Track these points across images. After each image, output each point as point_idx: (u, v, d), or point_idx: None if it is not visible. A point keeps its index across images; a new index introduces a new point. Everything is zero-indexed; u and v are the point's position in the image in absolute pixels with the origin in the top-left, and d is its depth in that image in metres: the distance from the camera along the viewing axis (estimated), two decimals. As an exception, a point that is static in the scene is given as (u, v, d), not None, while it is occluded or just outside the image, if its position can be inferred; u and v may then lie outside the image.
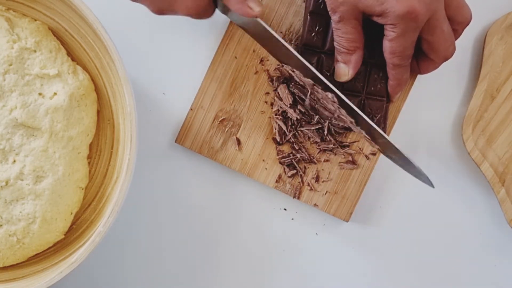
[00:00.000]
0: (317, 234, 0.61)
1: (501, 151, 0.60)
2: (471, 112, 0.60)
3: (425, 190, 0.61)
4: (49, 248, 0.54)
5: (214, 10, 0.52)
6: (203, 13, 0.51)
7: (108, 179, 0.55)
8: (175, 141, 0.58)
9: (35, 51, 0.52)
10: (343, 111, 0.54)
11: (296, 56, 0.53)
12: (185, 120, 0.58)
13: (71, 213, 0.54)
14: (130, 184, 0.48)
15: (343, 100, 0.54)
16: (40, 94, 0.52)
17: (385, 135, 0.54)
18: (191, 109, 0.58)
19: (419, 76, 0.60)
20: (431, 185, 0.54)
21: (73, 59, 0.55)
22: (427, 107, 0.61)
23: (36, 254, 0.54)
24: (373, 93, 0.56)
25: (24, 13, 0.54)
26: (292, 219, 0.61)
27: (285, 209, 0.61)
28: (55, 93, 0.52)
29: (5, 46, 0.51)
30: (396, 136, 0.61)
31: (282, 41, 0.52)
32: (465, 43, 0.61)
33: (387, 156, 0.56)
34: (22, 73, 0.52)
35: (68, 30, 0.54)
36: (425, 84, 0.61)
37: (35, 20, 0.53)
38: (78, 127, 0.53)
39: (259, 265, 0.61)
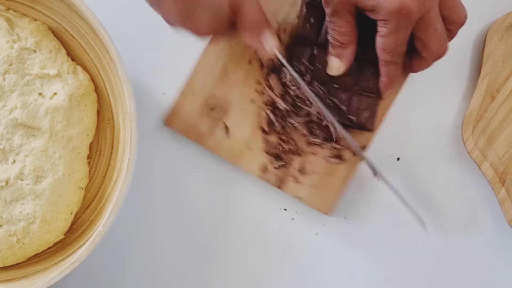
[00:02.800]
0: (317, 234, 0.61)
1: (501, 151, 0.60)
2: (471, 112, 0.60)
3: (426, 190, 0.61)
4: (49, 248, 0.54)
5: (232, 31, 0.51)
6: (219, 33, 0.50)
7: (108, 179, 0.55)
8: (164, 123, 0.58)
9: (35, 51, 0.52)
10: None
11: (310, 95, 0.54)
12: (175, 103, 0.58)
13: (71, 213, 0.54)
14: (130, 184, 0.48)
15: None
16: (40, 94, 0.52)
17: (386, 180, 0.55)
18: (181, 93, 0.58)
19: (418, 75, 0.60)
20: (424, 228, 0.56)
21: (73, 59, 0.55)
22: (427, 106, 0.61)
23: (36, 254, 0.54)
24: (364, 90, 0.56)
25: (24, 13, 0.54)
26: (292, 219, 0.61)
27: (285, 209, 0.61)
28: (55, 93, 0.52)
29: (5, 46, 0.51)
30: (393, 134, 0.61)
31: (299, 79, 0.53)
32: (465, 43, 0.61)
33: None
34: (22, 73, 0.52)
35: (68, 30, 0.54)
36: (425, 84, 0.61)
37: (35, 20, 0.53)
38: (78, 127, 0.53)
39: (259, 265, 0.61)
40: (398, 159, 0.61)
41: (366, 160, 0.55)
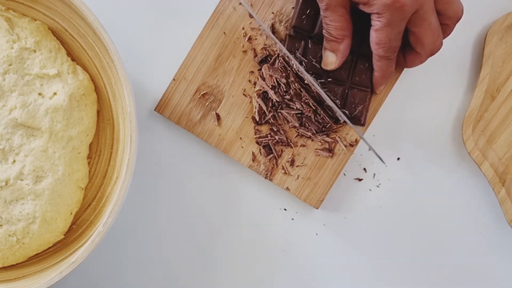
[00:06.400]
0: (317, 234, 0.61)
1: (501, 151, 0.60)
2: (471, 112, 0.60)
3: (426, 190, 0.61)
4: (49, 248, 0.54)
5: None
6: None
7: (108, 179, 0.55)
8: (155, 109, 0.58)
9: (35, 51, 0.52)
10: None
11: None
12: (166, 89, 0.58)
13: (71, 213, 0.54)
14: (130, 184, 0.48)
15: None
16: (40, 94, 0.52)
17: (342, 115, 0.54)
18: (174, 80, 0.58)
19: (419, 75, 0.60)
20: (382, 161, 0.57)
21: (73, 59, 0.55)
22: (427, 106, 0.61)
23: (36, 254, 0.54)
24: (358, 83, 0.57)
25: (24, 13, 0.54)
26: (292, 219, 0.61)
27: (285, 209, 0.61)
28: (55, 93, 0.52)
29: (5, 46, 0.51)
30: (393, 135, 0.61)
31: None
32: (465, 43, 0.61)
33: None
34: (22, 73, 0.52)
35: (68, 30, 0.54)
36: (425, 84, 0.61)
37: (35, 20, 0.53)
38: (78, 127, 0.53)
39: (259, 265, 0.61)
40: (398, 159, 0.61)
41: (365, 141, 0.56)
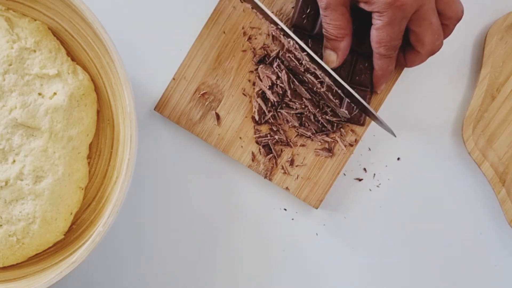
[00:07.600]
0: (317, 234, 0.61)
1: (501, 151, 0.60)
2: (471, 112, 0.60)
3: (426, 190, 0.61)
4: (49, 248, 0.54)
5: None
6: None
7: (108, 179, 0.55)
8: (154, 109, 0.58)
9: (35, 51, 0.52)
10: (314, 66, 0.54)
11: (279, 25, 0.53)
12: (166, 88, 0.58)
13: (71, 213, 0.54)
14: (130, 184, 0.48)
15: (312, 57, 0.54)
16: (40, 94, 0.52)
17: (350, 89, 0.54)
18: (173, 79, 0.58)
19: (419, 75, 0.60)
20: (393, 134, 0.55)
21: (73, 59, 0.55)
22: (427, 106, 0.61)
23: (36, 254, 0.54)
24: (357, 83, 0.57)
25: (24, 13, 0.54)
26: (292, 219, 0.61)
27: (285, 209, 0.61)
28: (55, 93, 0.52)
29: (5, 46, 0.51)
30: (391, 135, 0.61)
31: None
32: (465, 43, 0.61)
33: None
34: (22, 73, 0.52)
35: (68, 30, 0.54)
36: (425, 84, 0.61)
37: (35, 20, 0.53)
38: (78, 127, 0.53)
39: (259, 265, 0.61)
40: (398, 159, 0.61)
41: (380, 120, 0.55)
